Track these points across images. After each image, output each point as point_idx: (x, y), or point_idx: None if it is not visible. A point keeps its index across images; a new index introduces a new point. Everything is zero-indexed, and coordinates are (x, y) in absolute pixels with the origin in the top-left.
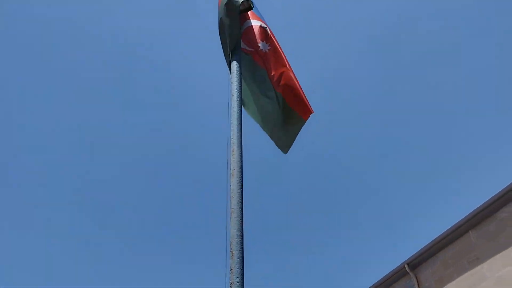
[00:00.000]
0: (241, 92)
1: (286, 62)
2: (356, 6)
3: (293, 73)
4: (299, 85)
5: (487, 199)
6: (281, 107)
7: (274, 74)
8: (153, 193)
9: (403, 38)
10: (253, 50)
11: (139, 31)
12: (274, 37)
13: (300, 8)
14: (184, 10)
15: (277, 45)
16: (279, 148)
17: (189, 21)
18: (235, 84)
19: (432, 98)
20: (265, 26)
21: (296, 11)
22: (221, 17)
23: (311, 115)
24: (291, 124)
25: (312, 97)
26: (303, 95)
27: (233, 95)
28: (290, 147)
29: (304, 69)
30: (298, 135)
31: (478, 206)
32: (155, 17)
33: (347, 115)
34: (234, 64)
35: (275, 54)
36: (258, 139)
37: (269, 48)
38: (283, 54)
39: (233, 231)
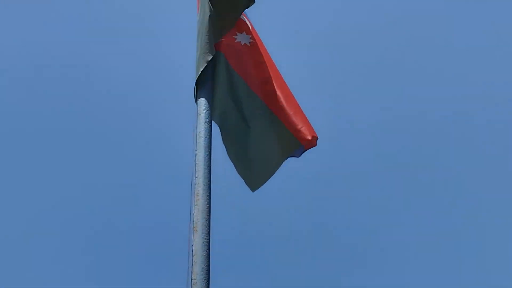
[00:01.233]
0: (210, 111)
1: (274, 64)
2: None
3: (284, 81)
4: (293, 97)
5: None
6: (267, 122)
7: (257, 76)
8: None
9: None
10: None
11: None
12: (257, 35)
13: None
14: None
15: (262, 43)
16: (246, 182)
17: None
18: (203, 101)
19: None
20: (244, 19)
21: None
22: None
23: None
24: (279, 145)
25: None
26: (300, 109)
27: (199, 114)
28: (264, 182)
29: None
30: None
31: None
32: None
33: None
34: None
35: (258, 50)
36: (234, 176)
37: (251, 41)
38: (270, 57)
39: None
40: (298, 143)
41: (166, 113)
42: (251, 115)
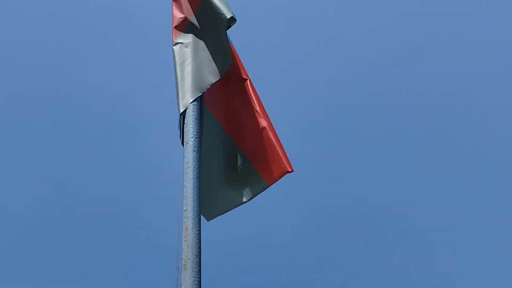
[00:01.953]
0: (200, 137)
1: (255, 94)
2: None
3: (265, 113)
4: (274, 133)
5: None
6: (235, 159)
7: (227, 111)
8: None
9: None
10: None
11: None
12: (236, 54)
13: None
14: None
15: (238, 61)
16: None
17: None
18: (191, 128)
19: None
20: None
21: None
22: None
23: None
24: (244, 184)
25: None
26: (278, 149)
27: (187, 143)
28: (221, 214)
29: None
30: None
31: None
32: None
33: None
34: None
35: (231, 78)
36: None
37: None
38: (251, 82)
39: None
40: (264, 184)
41: (149, 141)
42: (219, 149)
